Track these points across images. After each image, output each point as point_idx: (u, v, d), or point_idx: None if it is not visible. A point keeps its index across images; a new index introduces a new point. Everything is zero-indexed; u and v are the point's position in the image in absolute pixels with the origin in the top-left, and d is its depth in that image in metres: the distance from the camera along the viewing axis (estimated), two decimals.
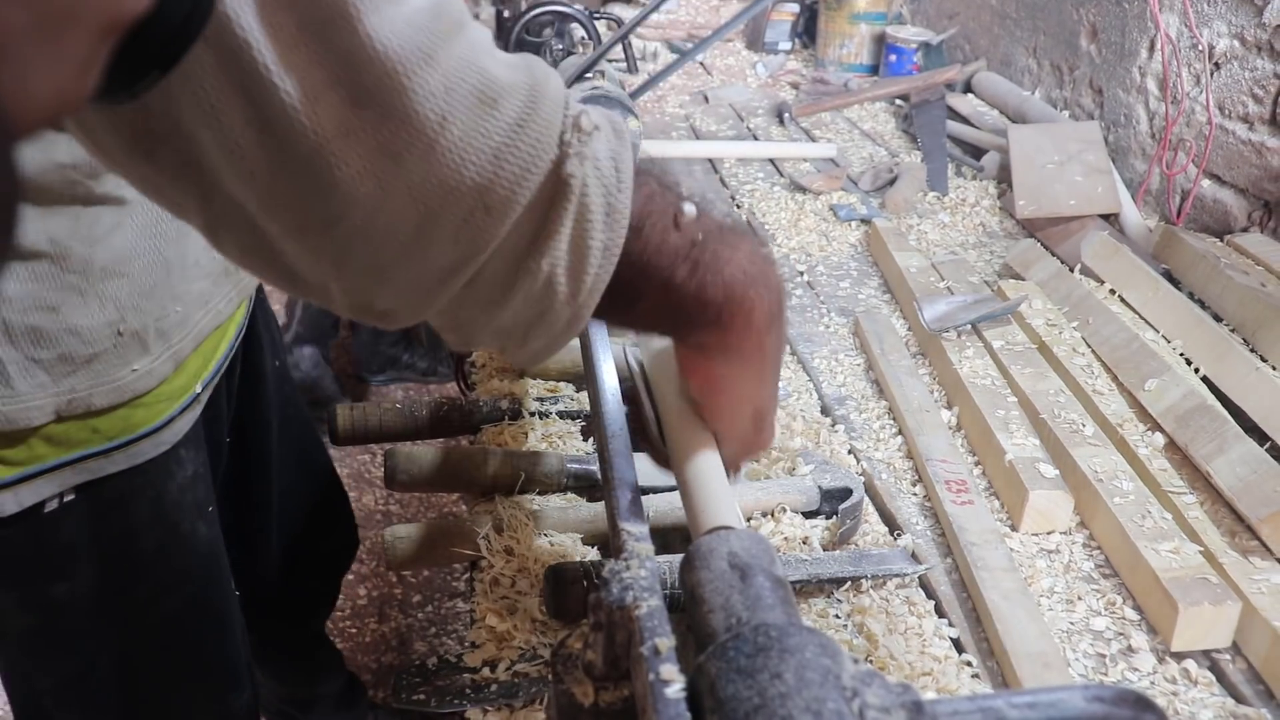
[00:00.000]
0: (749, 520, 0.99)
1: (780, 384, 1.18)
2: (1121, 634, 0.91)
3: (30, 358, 0.85)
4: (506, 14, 2.25)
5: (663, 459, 0.72)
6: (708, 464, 0.70)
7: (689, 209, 0.59)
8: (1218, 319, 1.29)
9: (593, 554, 0.94)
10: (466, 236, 0.52)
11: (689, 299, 0.59)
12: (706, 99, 2.57)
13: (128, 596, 1.05)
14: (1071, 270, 1.46)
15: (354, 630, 2.36)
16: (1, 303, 0.82)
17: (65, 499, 0.94)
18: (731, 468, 0.70)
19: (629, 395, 0.79)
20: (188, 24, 0.38)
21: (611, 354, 0.86)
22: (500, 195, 0.51)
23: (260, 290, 1.24)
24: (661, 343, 0.73)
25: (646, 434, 0.74)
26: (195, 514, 1.07)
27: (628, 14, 2.91)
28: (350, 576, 2.50)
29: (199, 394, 1.02)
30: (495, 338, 0.60)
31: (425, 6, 0.49)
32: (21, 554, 0.95)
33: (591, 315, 0.58)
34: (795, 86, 2.70)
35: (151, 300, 0.91)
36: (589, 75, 1.43)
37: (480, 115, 0.50)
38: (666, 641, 0.49)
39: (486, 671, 0.84)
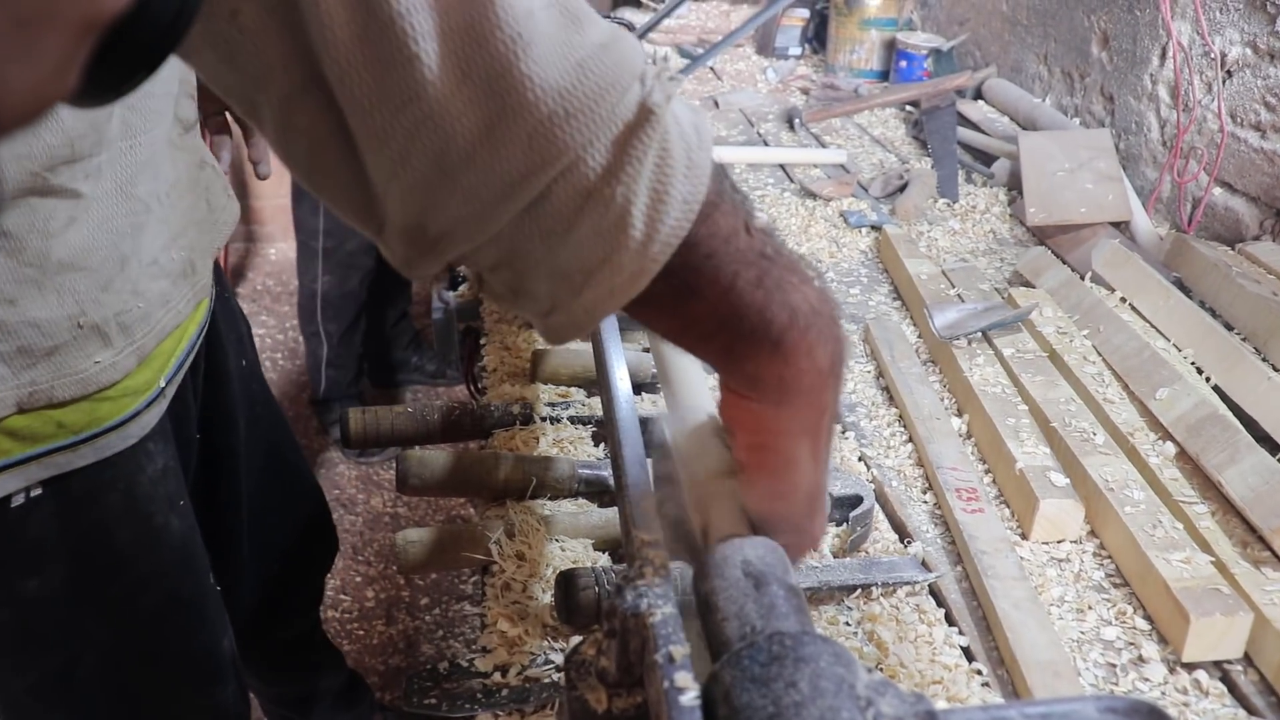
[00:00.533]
0: None
1: None
2: (1132, 644, 0.91)
3: None
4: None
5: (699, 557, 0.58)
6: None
7: (761, 218, 0.54)
8: (1229, 328, 1.29)
9: (604, 560, 0.95)
10: (540, 144, 0.48)
11: (751, 310, 0.52)
12: (716, 104, 2.57)
13: (104, 592, 1.04)
14: (1082, 278, 1.46)
15: (361, 632, 2.36)
16: None
17: (32, 494, 0.93)
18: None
19: (661, 476, 0.67)
20: (175, 23, 0.36)
21: (625, 359, 0.86)
22: (581, 102, 0.47)
23: (224, 292, 1.25)
24: (696, 418, 0.65)
25: (680, 531, 0.62)
26: (167, 508, 1.06)
27: (639, 19, 2.91)
28: (358, 579, 2.51)
29: (164, 388, 1.01)
30: (549, 281, 0.52)
31: None
32: None
33: (646, 292, 0.51)
34: (805, 92, 2.70)
35: (110, 294, 0.90)
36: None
37: (566, 27, 0.48)
38: (681, 649, 0.50)
39: (498, 676, 0.84)
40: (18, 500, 0.92)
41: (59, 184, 0.83)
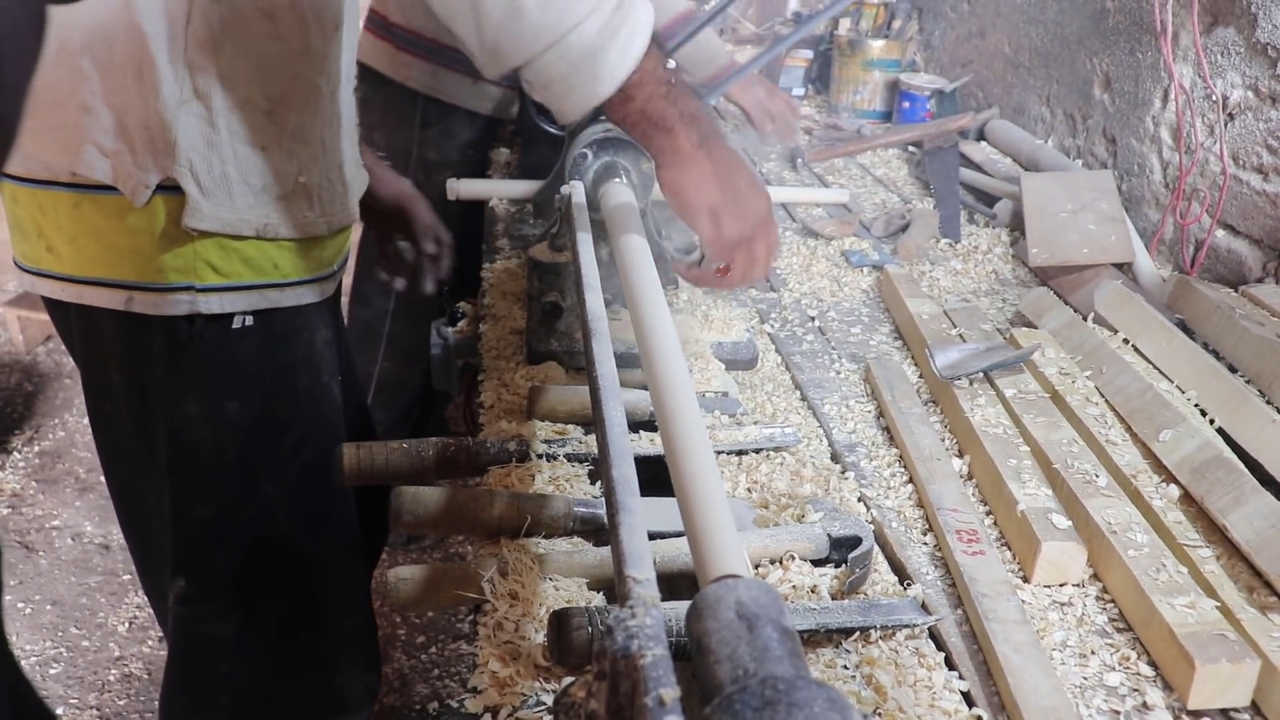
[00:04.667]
0: (757, 568, 0.98)
1: (790, 430, 1.17)
2: (1136, 690, 0.89)
3: (246, 181, 1.13)
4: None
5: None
6: (715, 509, 0.69)
7: (671, 61, 1.03)
8: (1233, 370, 1.28)
9: (598, 599, 0.93)
10: (565, 14, 0.94)
11: (657, 110, 1.03)
12: None
13: (282, 436, 1.27)
14: (1085, 319, 1.45)
15: None
16: (235, 135, 1.10)
17: (246, 321, 1.19)
18: (725, 279, 1.16)
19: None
20: None
21: (621, 398, 0.85)
22: None
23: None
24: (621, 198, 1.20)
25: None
26: (330, 373, 1.33)
27: None
28: None
29: (334, 271, 1.29)
30: (562, 85, 0.98)
31: None
32: (210, 360, 1.19)
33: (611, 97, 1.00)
34: (808, 132, 2.71)
35: (317, 166, 1.19)
36: (603, 117, 1.44)
37: None
38: (671, 692, 0.48)
39: (488, 718, 0.82)
40: (237, 324, 1.19)
41: (307, 73, 1.13)
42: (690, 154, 1.06)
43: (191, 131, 1.07)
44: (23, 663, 2.31)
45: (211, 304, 1.16)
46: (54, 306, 1.22)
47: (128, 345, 1.19)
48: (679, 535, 0.95)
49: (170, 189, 1.09)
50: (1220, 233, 1.71)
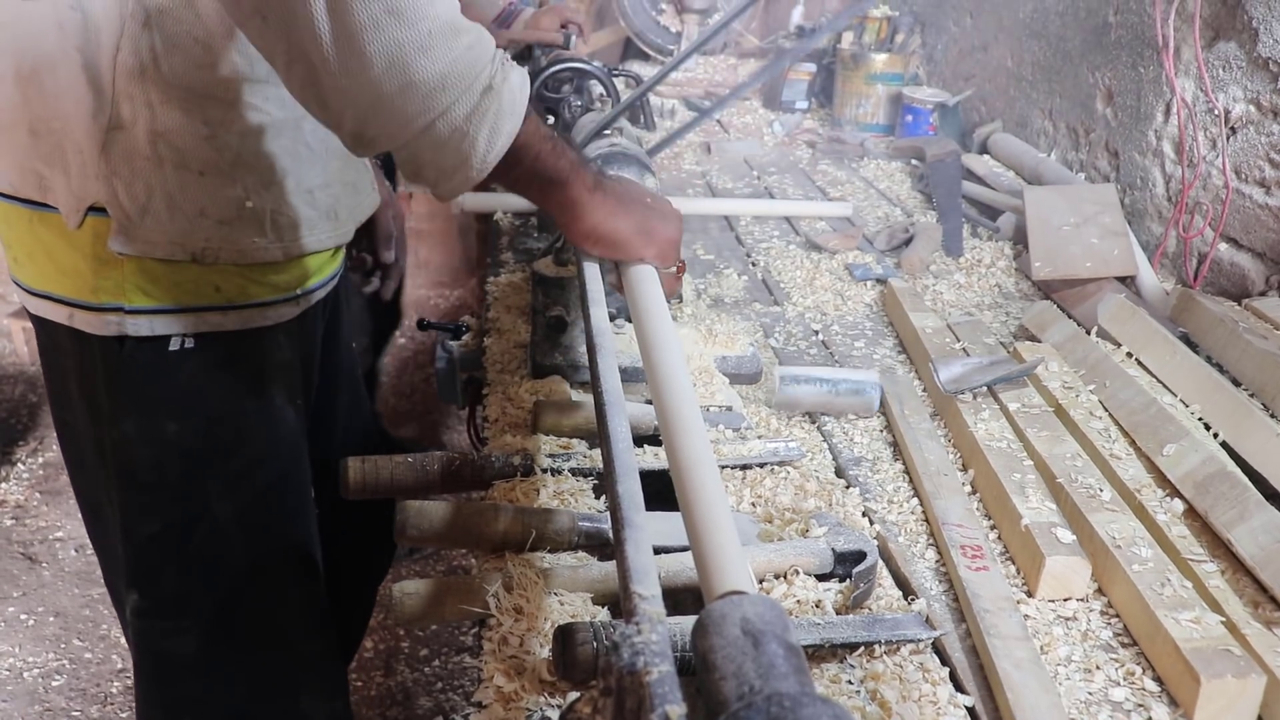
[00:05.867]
0: (761, 582, 0.98)
1: (795, 444, 1.17)
2: (1141, 705, 0.89)
3: (179, 206, 1.10)
4: (526, 70, 2.28)
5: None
6: (720, 525, 0.69)
7: (546, 122, 1.06)
8: (1236, 383, 1.28)
9: (603, 614, 0.93)
10: (432, 99, 0.88)
11: (548, 167, 1.01)
12: (709, 150, 2.59)
13: (229, 461, 1.24)
14: (1088, 333, 1.45)
15: (360, 683, 2.34)
16: (170, 159, 1.09)
17: (186, 343, 1.17)
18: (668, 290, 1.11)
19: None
20: None
21: (627, 412, 0.85)
22: (456, 79, 0.88)
23: (346, 283, 1.49)
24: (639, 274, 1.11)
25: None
26: (286, 397, 1.29)
27: (646, 71, 2.94)
28: None
29: (299, 295, 1.25)
30: (434, 171, 0.95)
31: None
32: (145, 380, 1.17)
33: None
34: (812, 145, 2.72)
35: (269, 193, 1.16)
36: (607, 132, 1.44)
37: (450, 36, 0.88)
38: (677, 709, 0.49)
39: None
40: (174, 345, 1.17)
41: (251, 100, 1.11)
42: (591, 197, 1.05)
43: (120, 156, 1.08)
44: (26, 674, 2.32)
45: (140, 326, 1.15)
46: (30, 316, 1.25)
47: (78, 359, 1.20)
48: (684, 550, 0.95)
49: (102, 210, 1.10)
50: (1223, 246, 1.71)
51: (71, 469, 1.33)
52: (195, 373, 1.19)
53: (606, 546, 1.01)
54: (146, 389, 1.18)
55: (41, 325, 1.22)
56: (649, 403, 1.19)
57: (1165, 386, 1.30)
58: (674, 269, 1.15)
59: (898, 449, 1.27)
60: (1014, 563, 1.06)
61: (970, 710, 0.88)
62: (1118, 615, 0.99)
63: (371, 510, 1.47)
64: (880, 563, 1.03)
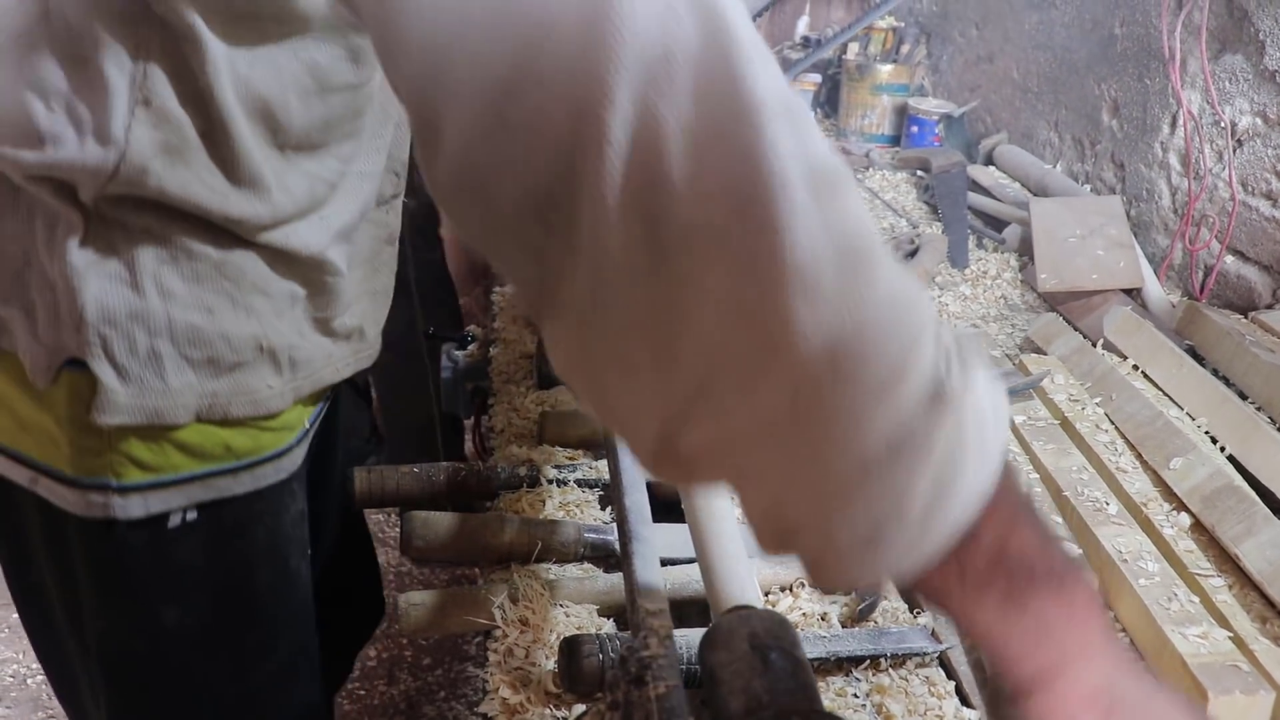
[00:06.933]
0: (767, 595, 0.98)
1: None
2: None
3: (184, 355, 0.86)
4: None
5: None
6: (727, 539, 0.69)
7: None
8: (1243, 396, 1.28)
9: (609, 626, 0.93)
10: (818, 413, 0.44)
11: (1027, 548, 0.48)
12: None
13: (242, 638, 1.02)
14: (1094, 345, 1.45)
15: (362, 692, 2.33)
16: (169, 298, 0.84)
17: (188, 517, 0.93)
18: None
19: None
20: None
21: None
22: (854, 370, 0.43)
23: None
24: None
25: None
26: (300, 553, 1.06)
27: None
28: None
29: (309, 430, 1.02)
30: (817, 539, 0.48)
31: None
32: (139, 565, 0.93)
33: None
34: None
35: (284, 323, 0.92)
36: None
37: (852, 275, 0.43)
38: None
39: None
40: (174, 521, 0.92)
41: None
42: (1095, 641, 0.52)
43: (107, 299, 0.83)
44: (29, 681, 2.32)
45: (132, 506, 0.89)
46: None
47: (46, 528, 0.95)
48: (690, 561, 0.95)
49: (82, 364, 0.83)
50: (1229, 258, 1.71)
51: (32, 632, 1.07)
52: (200, 549, 0.96)
53: (612, 558, 1.01)
54: (139, 575, 0.94)
55: None
56: None
57: (1172, 399, 1.29)
58: None
59: None
60: None
61: None
62: (1124, 630, 0.99)
63: (362, 573, 1.38)
64: None
